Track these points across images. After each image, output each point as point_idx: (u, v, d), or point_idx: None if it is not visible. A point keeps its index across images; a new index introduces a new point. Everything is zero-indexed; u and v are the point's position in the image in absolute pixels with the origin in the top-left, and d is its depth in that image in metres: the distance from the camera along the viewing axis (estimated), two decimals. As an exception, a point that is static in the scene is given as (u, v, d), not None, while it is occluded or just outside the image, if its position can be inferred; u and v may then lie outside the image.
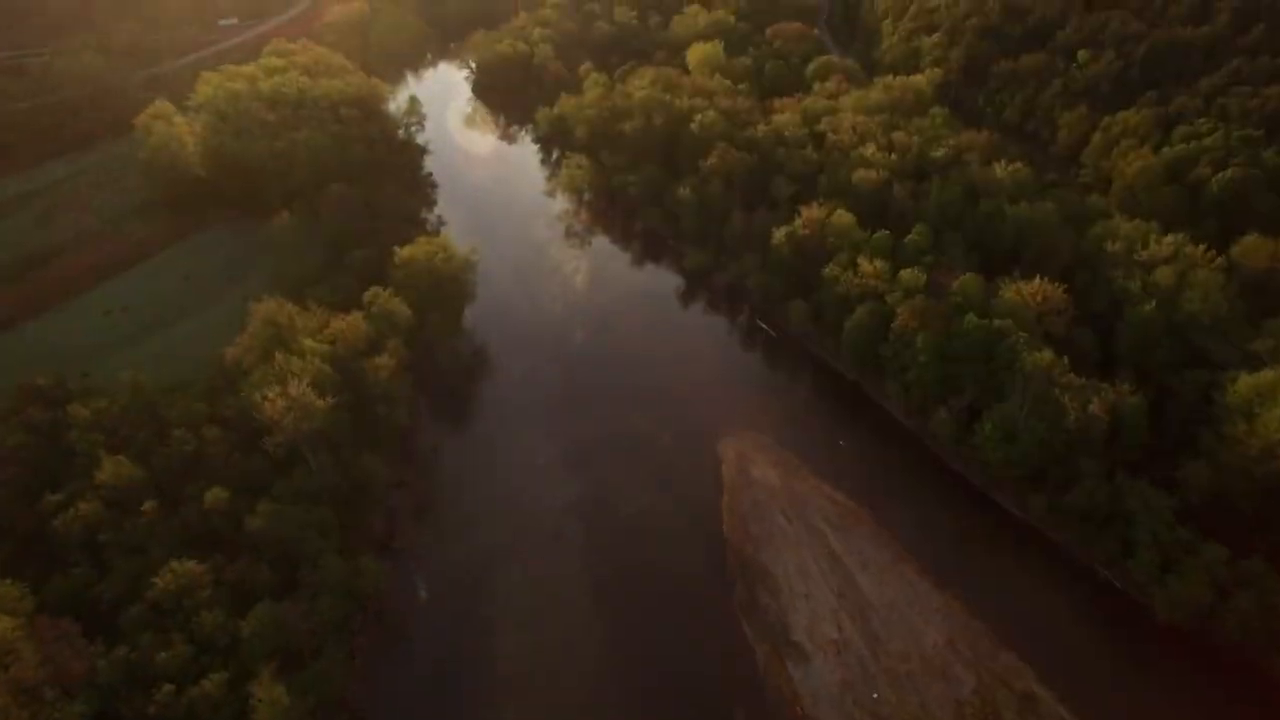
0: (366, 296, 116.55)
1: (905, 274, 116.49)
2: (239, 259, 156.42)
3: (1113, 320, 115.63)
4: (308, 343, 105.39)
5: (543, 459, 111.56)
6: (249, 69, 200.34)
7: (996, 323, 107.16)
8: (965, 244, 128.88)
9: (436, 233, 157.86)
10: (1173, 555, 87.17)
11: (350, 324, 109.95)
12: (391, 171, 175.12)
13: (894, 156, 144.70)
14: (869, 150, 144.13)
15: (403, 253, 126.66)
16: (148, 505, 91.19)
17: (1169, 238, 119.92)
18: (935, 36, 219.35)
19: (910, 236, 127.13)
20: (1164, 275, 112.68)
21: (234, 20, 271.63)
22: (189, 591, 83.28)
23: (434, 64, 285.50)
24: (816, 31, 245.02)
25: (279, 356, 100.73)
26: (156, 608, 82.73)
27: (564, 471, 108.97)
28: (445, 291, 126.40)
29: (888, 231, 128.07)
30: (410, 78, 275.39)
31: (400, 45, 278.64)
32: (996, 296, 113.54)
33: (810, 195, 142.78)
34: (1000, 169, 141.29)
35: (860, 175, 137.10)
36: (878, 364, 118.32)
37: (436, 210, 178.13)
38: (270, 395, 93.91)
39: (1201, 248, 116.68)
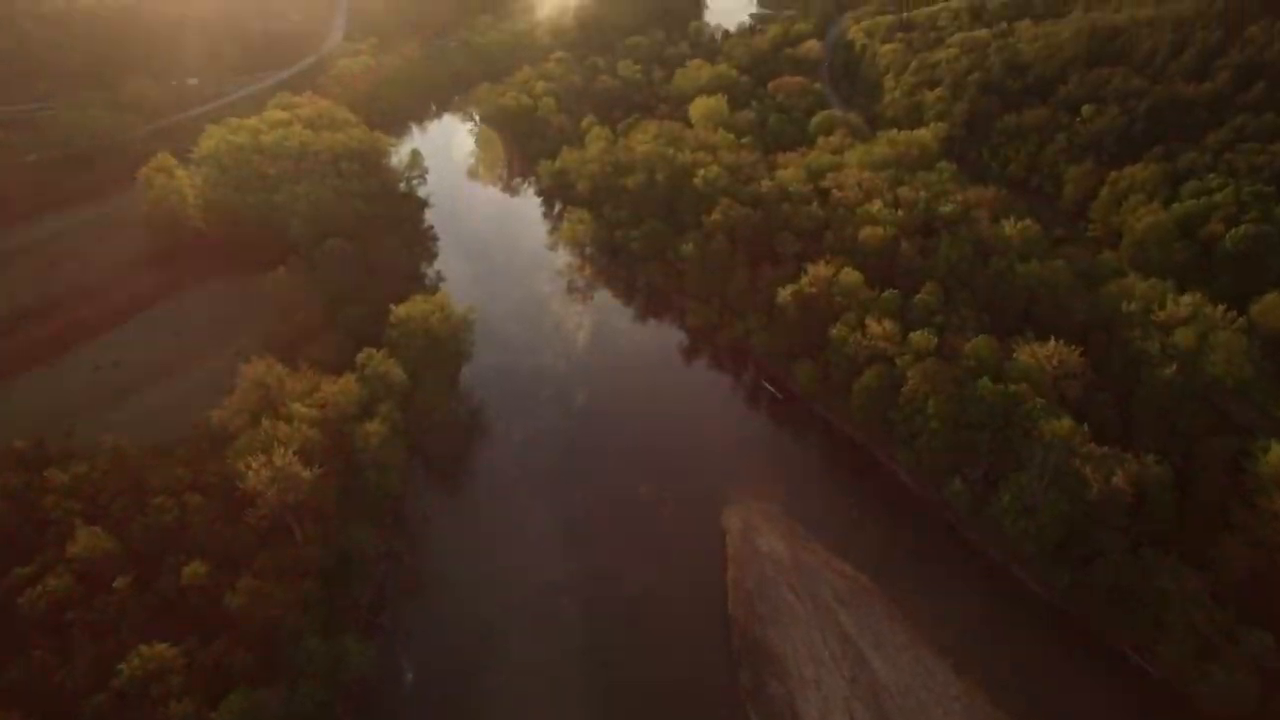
0: (360, 358, 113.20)
1: (915, 336, 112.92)
2: (234, 314, 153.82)
3: (1131, 383, 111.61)
4: (296, 407, 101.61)
5: (540, 529, 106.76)
6: (252, 122, 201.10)
7: (1011, 388, 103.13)
8: (976, 303, 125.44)
9: (435, 288, 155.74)
10: (1211, 641, 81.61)
11: (341, 388, 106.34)
12: (391, 225, 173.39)
13: (900, 213, 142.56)
14: (875, 206, 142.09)
15: (398, 311, 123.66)
16: (121, 581, 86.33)
17: (1186, 297, 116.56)
18: (937, 91, 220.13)
19: (919, 296, 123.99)
20: (1184, 337, 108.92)
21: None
22: (159, 677, 78.00)
23: (439, 115, 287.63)
24: (819, 85, 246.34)
25: (265, 423, 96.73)
26: (123, 696, 77.36)
27: (562, 543, 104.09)
28: (441, 351, 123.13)
29: (896, 290, 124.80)
30: (415, 129, 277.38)
31: (406, 98, 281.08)
32: (1010, 359, 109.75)
33: (816, 252, 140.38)
34: (1009, 226, 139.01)
35: (867, 233, 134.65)
36: (888, 428, 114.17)
37: (437, 263, 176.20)
38: (254, 465, 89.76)
39: (1221, 308, 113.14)
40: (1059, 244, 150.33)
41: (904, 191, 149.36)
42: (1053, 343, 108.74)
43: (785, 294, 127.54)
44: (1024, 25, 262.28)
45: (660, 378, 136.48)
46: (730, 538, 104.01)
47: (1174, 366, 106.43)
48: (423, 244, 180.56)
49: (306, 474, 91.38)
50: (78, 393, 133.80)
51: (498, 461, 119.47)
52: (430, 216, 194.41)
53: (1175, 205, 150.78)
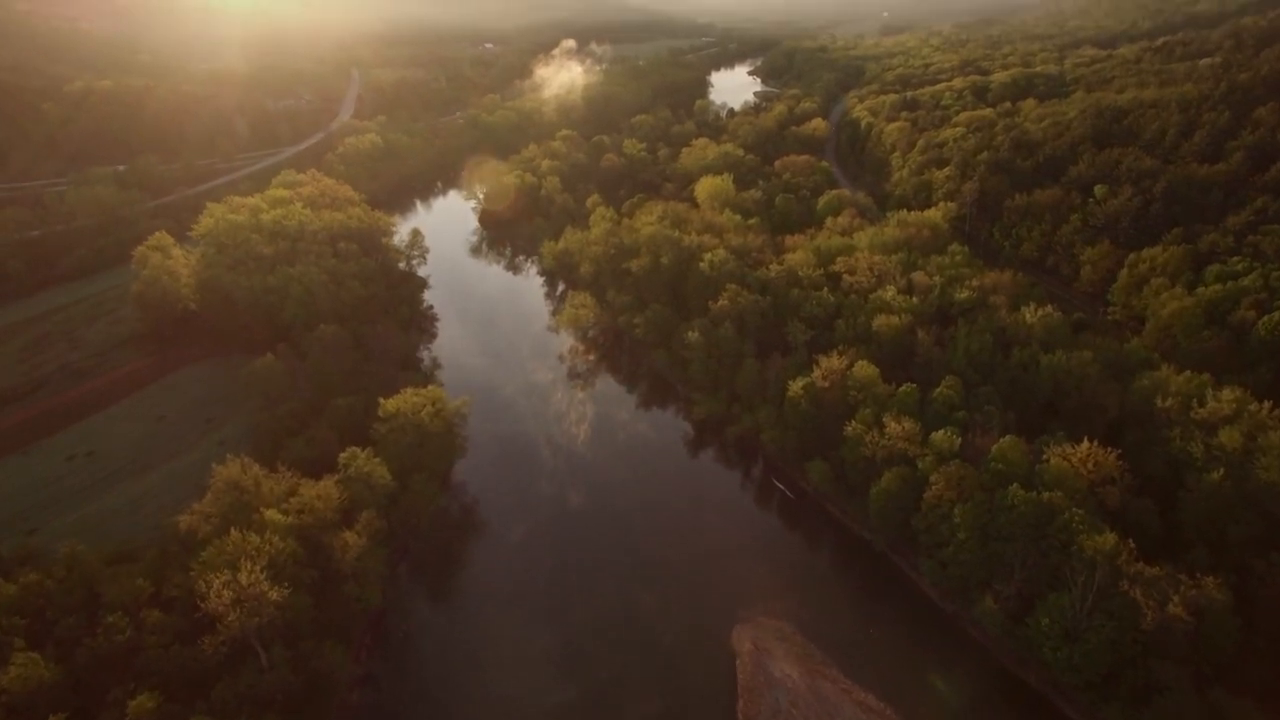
0: (343, 457, 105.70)
1: (937, 436, 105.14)
2: (219, 400, 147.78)
3: (1174, 488, 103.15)
4: (270, 515, 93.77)
5: (534, 647, 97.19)
6: (253, 200, 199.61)
7: (1044, 495, 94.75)
8: (999, 398, 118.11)
9: (431, 374, 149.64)
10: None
11: (321, 492, 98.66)
12: (389, 307, 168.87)
13: (915, 299, 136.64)
14: (888, 293, 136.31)
15: (388, 405, 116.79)
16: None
17: (1227, 392, 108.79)
18: (946, 170, 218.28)
19: (939, 390, 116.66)
20: (1230, 438, 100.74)
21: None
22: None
23: (444, 192, 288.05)
24: (825, 163, 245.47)
25: (234, 534, 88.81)
26: None
27: (558, 666, 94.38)
28: (432, 449, 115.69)
29: (914, 385, 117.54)
30: (420, 205, 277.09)
31: (411, 174, 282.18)
32: (1040, 462, 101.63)
33: (827, 340, 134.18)
34: (1030, 313, 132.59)
35: (881, 321, 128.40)
36: (909, 536, 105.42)
37: (434, 345, 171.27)
38: (217, 584, 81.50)
39: (1268, 405, 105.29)
40: (1080, 329, 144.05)
41: (917, 276, 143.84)
42: (1086, 444, 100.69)
43: (796, 387, 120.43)
44: (1028, 105, 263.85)
45: (664, 474, 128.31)
46: (741, 662, 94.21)
47: (1221, 471, 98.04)
48: (421, 326, 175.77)
49: (274, 594, 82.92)
50: (47, 484, 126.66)
51: (490, 567, 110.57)
52: (430, 296, 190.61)
53: (1200, 289, 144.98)
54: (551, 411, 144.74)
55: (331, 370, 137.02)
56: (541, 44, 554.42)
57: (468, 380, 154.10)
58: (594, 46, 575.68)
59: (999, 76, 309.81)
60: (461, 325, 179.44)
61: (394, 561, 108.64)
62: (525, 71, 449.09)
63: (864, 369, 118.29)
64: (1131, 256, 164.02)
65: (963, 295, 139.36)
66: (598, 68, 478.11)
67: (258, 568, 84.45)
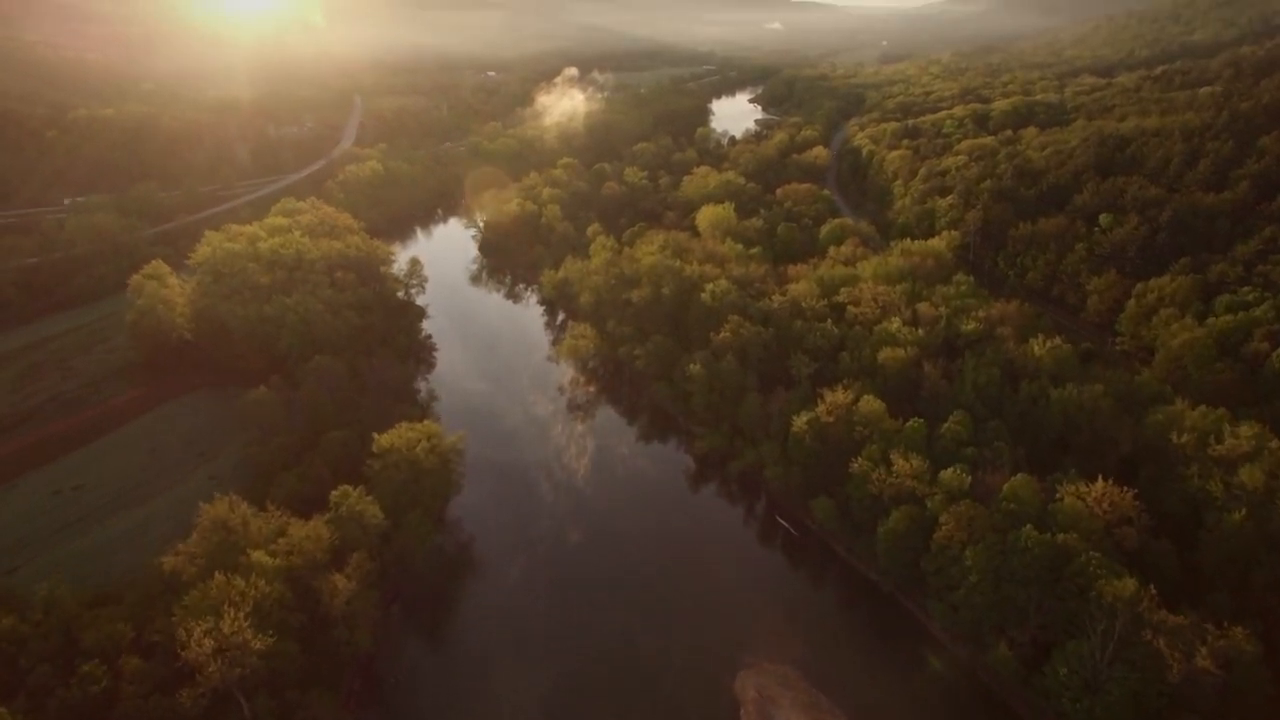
0: (334, 496, 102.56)
1: (946, 474, 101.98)
2: (213, 432, 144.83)
3: (1193, 529, 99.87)
4: (257, 556, 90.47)
5: (531, 692, 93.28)
6: (251, 228, 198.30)
7: (1059, 537, 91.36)
8: (1008, 433, 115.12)
9: (427, 406, 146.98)
10: None
11: (310, 533, 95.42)
12: (386, 337, 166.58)
13: (920, 331, 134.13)
14: (893, 325, 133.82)
15: (381, 441, 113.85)
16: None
17: (1245, 428, 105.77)
18: (949, 198, 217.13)
19: (947, 425, 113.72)
20: (1251, 476, 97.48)
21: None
22: None
23: (445, 220, 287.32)
24: (826, 191, 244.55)
25: (218, 578, 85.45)
26: None
27: (554, 713, 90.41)
28: (427, 486, 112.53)
29: (921, 420, 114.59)
30: (420, 233, 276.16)
31: (412, 202, 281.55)
32: (1054, 501, 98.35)
33: (832, 373, 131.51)
34: (1038, 345, 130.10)
35: (886, 354, 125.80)
36: (919, 577, 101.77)
37: (432, 375, 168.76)
38: (198, 632, 78.08)
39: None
40: (1088, 359, 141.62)
41: (923, 308, 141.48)
42: (1101, 483, 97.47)
43: (800, 422, 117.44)
44: (1029, 133, 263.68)
45: (665, 510, 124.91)
46: (745, 711, 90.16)
47: (1242, 511, 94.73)
48: (419, 356, 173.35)
49: (258, 643, 79.42)
50: (32, 519, 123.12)
51: (486, 608, 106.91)
52: (429, 325, 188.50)
53: (1211, 320, 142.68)
54: (551, 444, 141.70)
55: (326, 403, 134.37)
56: (544, 72, 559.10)
57: (466, 412, 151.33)
58: (596, 75, 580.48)
59: (1000, 104, 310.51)
60: (460, 355, 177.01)
61: (386, 603, 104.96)
62: (527, 99, 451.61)
63: (870, 404, 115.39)
64: (1139, 286, 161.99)
65: (969, 327, 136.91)
66: (599, 95, 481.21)
67: (241, 614, 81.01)
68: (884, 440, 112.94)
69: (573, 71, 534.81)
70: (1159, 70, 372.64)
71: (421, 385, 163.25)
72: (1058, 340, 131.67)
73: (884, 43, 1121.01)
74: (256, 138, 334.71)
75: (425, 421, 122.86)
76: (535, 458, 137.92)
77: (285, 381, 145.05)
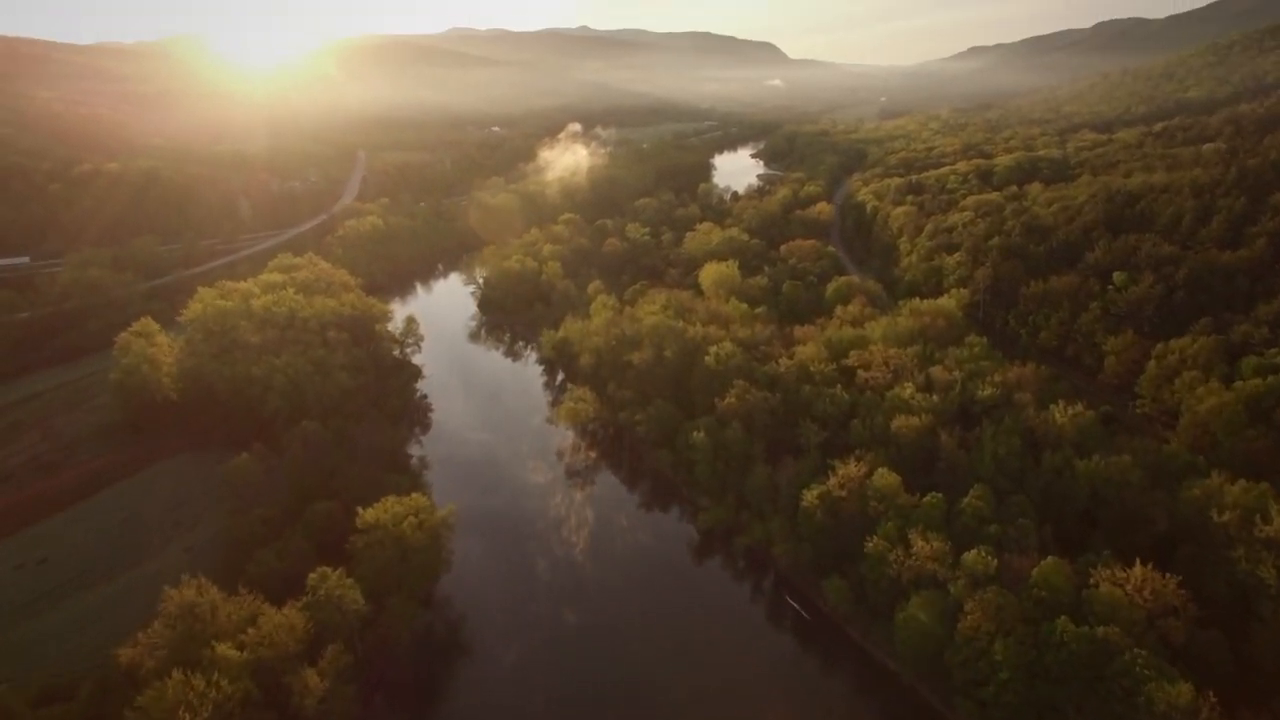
0: (312, 579, 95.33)
1: (970, 557, 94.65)
2: (192, 500, 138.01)
3: (1243, 618, 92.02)
4: (224, 650, 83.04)
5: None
6: (245, 285, 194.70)
7: (1099, 631, 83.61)
8: (1033, 508, 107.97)
9: (418, 474, 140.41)
10: None
11: (283, 622, 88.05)
12: (378, 399, 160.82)
13: (935, 397, 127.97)
14: (906, 390, 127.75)
15: (366, 515, 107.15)
16: None
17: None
18: (956, 256, 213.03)
19: (967, 500, 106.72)
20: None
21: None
22: None
23: (445, 275, 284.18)
24: (831, 248, 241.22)
25: (176, 676, 77.90)
26: None
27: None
28: (414, 564, 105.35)
29: (939, 494, 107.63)
30: (419, 288, 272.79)
31: (412, 257, 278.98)
32: (1089, 587, 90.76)
33: (842, 441, 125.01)
34: (1059, 412, 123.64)
35: (900, 423, 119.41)
36: (942, 668, 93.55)
37: (426, 438, 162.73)
38: (148, 742, 70.41)
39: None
40: (1108, 423, 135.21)
41: (936, 371, 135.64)
42: (1139, 568, 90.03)
43: (811, 497, 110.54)
44: (1034, 188, 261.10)
45: (667, 589, 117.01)
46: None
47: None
48: (413, 418, 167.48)
49: (214, 755, 71.64)
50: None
51: (476, 699, 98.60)
52: (425, 385, 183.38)
53: (1238, 384, 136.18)
54: (548, 515, 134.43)
55: (311, 471, 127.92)
56: (548, 127, 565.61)
57: (460, 479, 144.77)
58: (599, 130, 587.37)
59: (1003, 160, 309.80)
60: (456, 417, 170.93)
61: (366, 694, 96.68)
62: (530, 154, 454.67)
63: (884, 478, 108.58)
64: (1159, 347, 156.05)
65: (985, 392, 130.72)
66: (602, 150, 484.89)
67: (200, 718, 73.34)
68: (900, 516, 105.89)
69: (576, 127, 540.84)
70: (1159, 126, 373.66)
71: (415, 449, 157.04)
72: (1079, 407, 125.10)
73: (882, 99, 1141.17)
74: (259, 192, 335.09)
75: (414, 494, 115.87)
76: (531, 530, 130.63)
77: (270, 447, 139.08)
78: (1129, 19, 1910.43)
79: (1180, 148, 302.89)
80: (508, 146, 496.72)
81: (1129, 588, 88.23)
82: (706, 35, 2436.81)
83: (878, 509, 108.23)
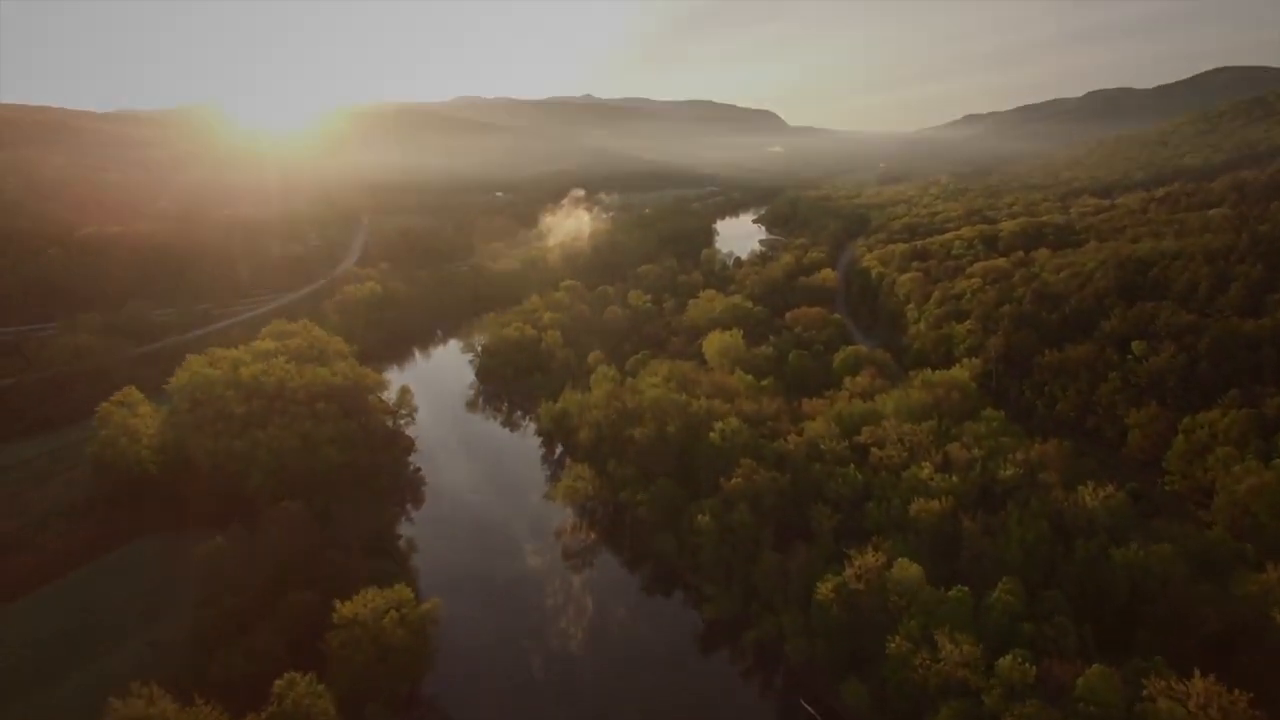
0: (278, 686, 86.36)
1: (1005, 664, 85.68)
2: (162, 586, 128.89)
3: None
4: (169, 775, 73.71)
5: None
6: (236, 352, 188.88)
7: (1160, 756, 74.18)
8: (1068, 604, 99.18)
9: (405, 558, 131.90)
10: None
11: (239, 740, 78.81)
12: (368, 475, 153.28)
13: (954, 478, 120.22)
14: (923, 471, 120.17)
15: (344, 610, 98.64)
16: None
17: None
18: (967, 324, 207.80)
19: (996, 595, 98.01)
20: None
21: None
22: None
23: (444, 341, 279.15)
24: (837, 315, 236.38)
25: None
26: None
27: None
28: (395, 664, 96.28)
29: (965, 588, 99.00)
30: (417, 354, 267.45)
31: (411, 324, 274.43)
32: (1143, 700, 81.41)
33: (857, 526, 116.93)
34: (1089, 494, 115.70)
35: (919, 507, 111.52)
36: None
37: (416, 515, 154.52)
38: None
39: None
40: (1137, 500, 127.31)
41: (953, 449, 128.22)
42: (1199, 680, 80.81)
43: (825, 589, 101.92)
44: (1042, 254, 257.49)
45: (670, 689, 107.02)
46: None
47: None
48: (403, 494, 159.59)
49: None
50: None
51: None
52: (418, 458, 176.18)
53: (1277, 461, 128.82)
54: (544, 606, 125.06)
55: (289, 556, 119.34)
56: (551, 193, 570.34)
57: (449, 563, 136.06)
58: (602, 196, 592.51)
59: (1007, 225, 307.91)
60: (449, 494, 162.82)
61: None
62: (533, 220, 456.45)
63: (905, 569, 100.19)
64: (1186, 421, 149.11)
65: (1007, 472, 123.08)
66: (605, 216, 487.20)
67: None
68: (924, 613, 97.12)
69: (579, 192, 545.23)
70: (1161, 192, 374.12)
71: (404, 528, 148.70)
72: (1110, 489, 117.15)
73: (881, 164, 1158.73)
74: (259, 256, 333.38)
75: (398, 585, 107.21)
76: (525, 622, 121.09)
77: (250, 526, 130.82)
78: (1117, 89, 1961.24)
79: (1185, 213, 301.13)
80: (510, 212, 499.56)
81: (1191, 704, 78.90)
82: (708, 103, 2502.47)
83: (899, 604, 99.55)
